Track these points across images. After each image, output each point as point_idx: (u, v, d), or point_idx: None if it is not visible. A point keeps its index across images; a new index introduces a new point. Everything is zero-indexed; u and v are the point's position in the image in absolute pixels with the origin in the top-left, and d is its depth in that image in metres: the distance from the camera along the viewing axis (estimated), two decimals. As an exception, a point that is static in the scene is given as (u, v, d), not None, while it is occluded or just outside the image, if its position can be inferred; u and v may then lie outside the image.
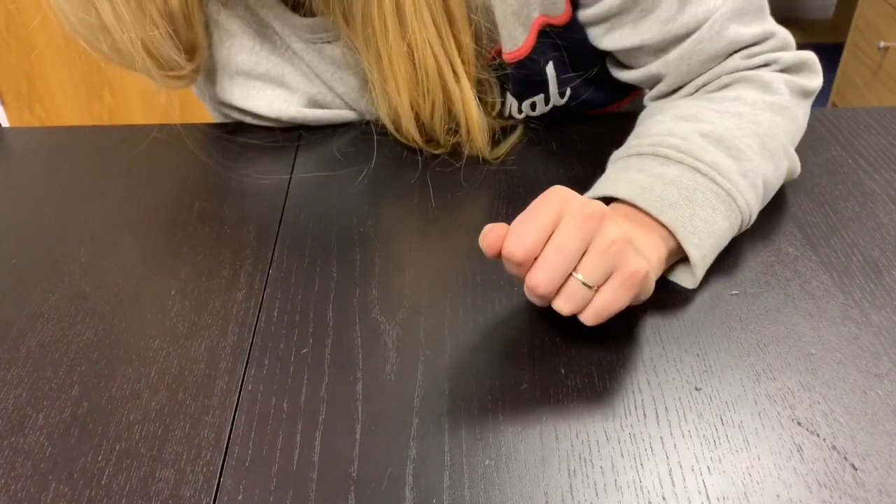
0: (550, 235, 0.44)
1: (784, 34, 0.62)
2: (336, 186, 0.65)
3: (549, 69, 0.67)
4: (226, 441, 0.44)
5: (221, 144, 0.71)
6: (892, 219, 0.59)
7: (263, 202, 0.63)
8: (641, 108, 0.85)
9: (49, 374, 0.48)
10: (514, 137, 0.69)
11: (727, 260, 0.55)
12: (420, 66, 0.62)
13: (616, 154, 0.58)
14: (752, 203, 0.53)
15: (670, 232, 0.50)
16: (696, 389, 0.46)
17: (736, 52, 0.61)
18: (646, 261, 0.46)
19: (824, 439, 0.43)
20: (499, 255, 0.45)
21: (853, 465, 0.41)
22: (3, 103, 1.94)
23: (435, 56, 0.61)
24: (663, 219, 0.50)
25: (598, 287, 0.45)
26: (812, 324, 0.50)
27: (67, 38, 1.81)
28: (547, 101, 0.70)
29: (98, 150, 0.71)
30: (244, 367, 0.48)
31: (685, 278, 0.53)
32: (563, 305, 0.45)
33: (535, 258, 0.44)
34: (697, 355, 0.48)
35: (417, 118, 0.66)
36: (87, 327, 0.51)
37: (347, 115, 0.73)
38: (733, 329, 0.50)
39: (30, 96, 1.93)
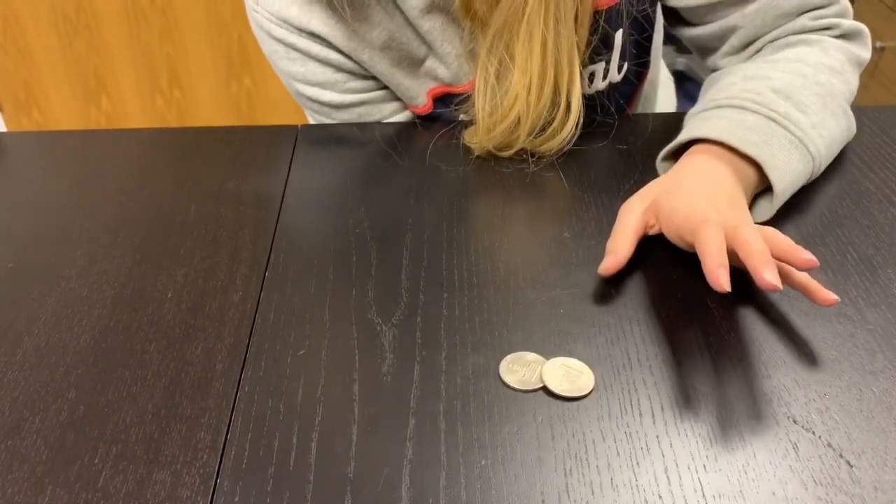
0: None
1: (845, 2, 0.68)
2: (332, 188, 0.65)
3: (618, 36, 0.70)
4: (222, 443, 0.44)
5: (217, 148, 0.71)
6: (886, 217, 0.59)
7: (260, 204, 0.63)
8: (648, 110, 0.86)
9: (46, 377, 0.48)
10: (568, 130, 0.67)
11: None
12: (549, 69, 0.63)
13: (691, 111, 0.61)
14: (822, 151, 0.58)
15: (754, 169, 0.56)
16: (692, 388, 0.46)
17: (805, 12, 0.66)
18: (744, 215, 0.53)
19: (820, 437, 0.43)
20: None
21: (848, 463, 0.41)
22: (1, 109, 1.95)
23: (569, 58, 0.63)
24: (751, 153, 0.55)
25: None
26: (807, 322, 0.50)
27: (64, 44, 1.82)
28: (605, 73, 0.72)
29: (95, 154, 0.71)
30: (241, 369, 0.48)
31: (762, 210, 0.58)
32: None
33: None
34: (693, 354, 0.48)
35: (515, 125, 0.66)
36: (84, 330, 0.51)
37: (387, 106, 0.75)
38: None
39: (27, 102, 1.93)
